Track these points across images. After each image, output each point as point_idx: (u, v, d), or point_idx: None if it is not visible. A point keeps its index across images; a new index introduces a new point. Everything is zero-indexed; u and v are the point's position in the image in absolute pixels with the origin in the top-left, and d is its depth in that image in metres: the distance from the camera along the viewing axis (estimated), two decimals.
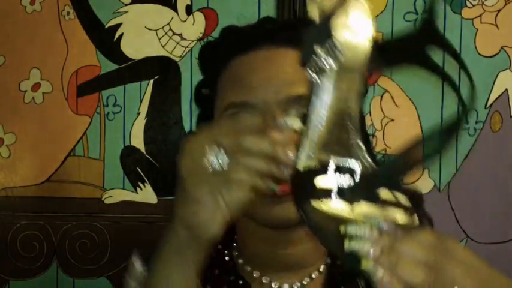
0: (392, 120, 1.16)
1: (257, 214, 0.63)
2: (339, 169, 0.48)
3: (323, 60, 0.52)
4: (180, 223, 0.54)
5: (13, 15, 1.23)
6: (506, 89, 1.15)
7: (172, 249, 0.55)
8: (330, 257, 0.69)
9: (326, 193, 0.47)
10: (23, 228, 1.22)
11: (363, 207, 0.48)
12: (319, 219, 0.48)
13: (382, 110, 1.15)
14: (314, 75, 0.52)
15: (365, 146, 0.77)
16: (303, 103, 0.65)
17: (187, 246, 0.54)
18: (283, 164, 0.52)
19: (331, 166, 0.48)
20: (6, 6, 1.23)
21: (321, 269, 0.70)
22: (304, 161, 0.50)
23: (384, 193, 0.51)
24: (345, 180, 0.48)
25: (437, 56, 1.08)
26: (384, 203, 0.48)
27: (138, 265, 0.62)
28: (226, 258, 0.72)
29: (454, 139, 0.51)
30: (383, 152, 1.14)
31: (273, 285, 0.69)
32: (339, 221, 0.47)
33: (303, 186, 0.49)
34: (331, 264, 0.69)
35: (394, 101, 1.16)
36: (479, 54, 1.14)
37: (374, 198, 0.48)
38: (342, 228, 0.46)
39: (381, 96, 1.15)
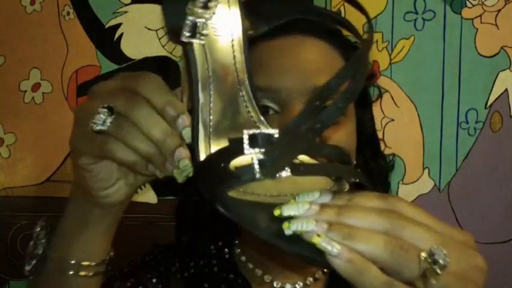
0: (393, 120, 1.16)
1: None
2: (252, 141, 0.41)
3: (199, 20, 0.46)
4: (76, 184, 0.53)
5: (13, 15, 1.23)
6: (506, 89, 1.15)
7: (74, 212, 0.56)
8: None
9: (243, 174, 0.40)
10: (23, 228, 1.22)
11: (288, 182, 0.42)
12: (243, 210, 0.41)
13: (382, 110, 1.15)
14: (190, 39, 0.46)
15: (374, 148, 0.75)
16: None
17: (87, 209, 0.54)
18: (168, 157, 0.46)
19: (242, 141, 0.41)
20: (6, 6, 1.23)
21: (325, 269, 0.69)
22: (203, 148, 0.45)
23: (305, 159, 0.45)
24: (261, 153, 0.41)
25: (438, 54, 1.07)
26: (308, 172, 0.42)
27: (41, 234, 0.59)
28: (226, 256, 0.71)
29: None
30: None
31: (275, 284, 0.68)
32: (266, 205, 0.41)
33: (210, 176, 0.42)
34: None
35: (394, 101, 1.16)
36: (479, 54, 1.14)
37: (297, 168, 0.41)
38: (276, 212, 0.40)
39: (381, 96, 1.14)
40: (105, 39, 1.21)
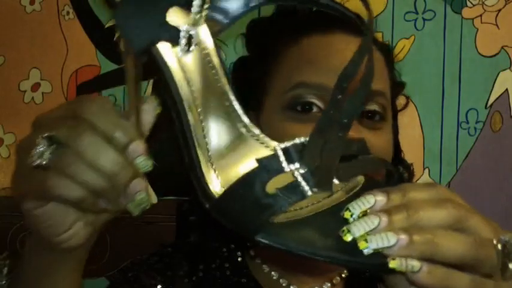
0: None
1: None
2: (287, 156, 0.36)
3: (192, 30, 0.38)
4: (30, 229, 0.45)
5: (13, 15, 1.23)
6: (507, 89, 1.15)
7: (32, 259, 0.48)
8: None
9: (290, 195, 0.35)
10: (23, 228, 1.22)
11: (334, 195, 0.37)
12: (291, 234, 0.35)
13: None
14: (186, 54, 0.39)
15: (396, 157, 0.73)
16: (376, 99, 0.62)
17: (45, 256, 0.46)
18: (122, 191, 0.39)
19: (277, 158, 0.35)
20: (6, 6, 1.23)
21: (344, 275, 0.67)
22: (210, 177, 0.37)
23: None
24: (302, 167, 0.36)
25: (438, 54, 1.08)
26: (352, 174, 0.38)
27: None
28: (239, 259, 0.68)
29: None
30: None
31: None
32: (310, 219, 0.36)
33: (243, 206, 0.35)
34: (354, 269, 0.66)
35: None
36: (480, 54, 1.14)
37: (341, 174, 0.37)
38: (346, 237, 0.35)
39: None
40: (105, 39, 1.21)
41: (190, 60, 0.40)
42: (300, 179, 0.35)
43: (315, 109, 0.61)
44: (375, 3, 1.15)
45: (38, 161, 0.38)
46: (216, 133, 0.40)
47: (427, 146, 1.14)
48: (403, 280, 0.38)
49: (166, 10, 0.38)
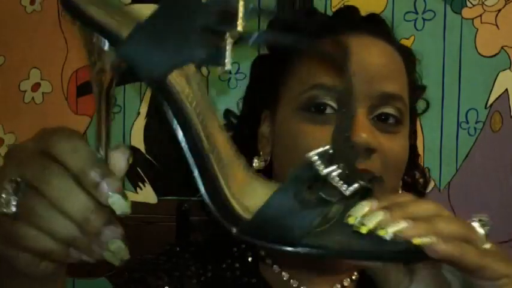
0: None
1: None
2: (321, 161, 0.38)
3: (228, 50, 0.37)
4: None
5: (13, 15, 1.23)
6: (506, 89, 1.15)
7: (8, 283, 0.42)
8: None
9: (332, 197, 0.38)
10: None
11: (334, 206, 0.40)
12: (331, 239, 0.38)
13: None
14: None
15: (413, 162, 0.73)
16: (392, 103, 0.62)
17: (21, 280, 0.41)
18: (94, 239, 0.37)
19: (312, 165, 0.37)
20: (6, 6, 1.23)
21: (354, 277, 0.67)
22: (236, 204, 0.37)
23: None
24: (335, 170, 0.38)
25: (438, 55, 1.08)
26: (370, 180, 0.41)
27: None
28: (249, 259, 0.68)
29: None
30: None
31: None
32: (337, 223, 0.39)
33: (284, 220, 0.36)
34: (365, 271, 0.64)
35: None
36: (479, 54, 1.14)
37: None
38: (362, 229, 0.38)
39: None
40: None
41: (193, 85, 0.39)
42: (336, 180, 0.38)
43: (329, 110, 0.61)
44: (375, 3, 1.15)
45: (4, 210, 0.35)
46: (229, 156, 0.40)
47: (427, 146, 1.14)
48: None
49: (181, 41, 0.37)
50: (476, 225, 0.43)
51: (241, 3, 0.36)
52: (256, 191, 0.39)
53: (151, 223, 1.19)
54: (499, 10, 1.14)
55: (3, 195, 0.36)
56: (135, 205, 1.23)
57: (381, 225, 0.39)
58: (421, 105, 0.80)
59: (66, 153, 0.37)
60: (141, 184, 1.20)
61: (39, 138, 0.40)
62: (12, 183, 0.36)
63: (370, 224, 0.39)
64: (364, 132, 0.58)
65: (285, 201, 0.36)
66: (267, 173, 0.67)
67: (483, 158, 1.13)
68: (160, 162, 1.20)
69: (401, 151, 0.63)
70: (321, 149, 0.38)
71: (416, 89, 0.73)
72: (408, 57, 0.70)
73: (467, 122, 1.14)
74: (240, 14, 0.36)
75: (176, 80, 0.37)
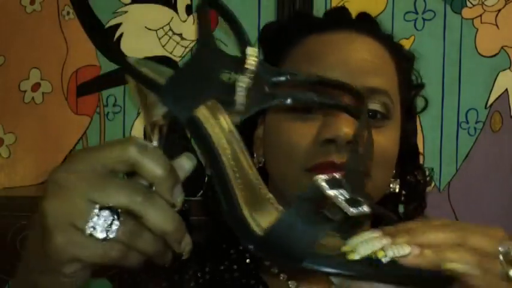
0: None
1: None
2: (329, 184, 0.42)
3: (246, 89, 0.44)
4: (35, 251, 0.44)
5: (13, 15, 1.23)
6: (506, 89, 1.15)
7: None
8: None
9: (335, 215, 0.40)
10: (23, 228, 1.22)
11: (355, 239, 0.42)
12: (332, 261, 0.41)
13: None
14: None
15: (414, 162, 0.75)
16: (377, 97, 0.63)
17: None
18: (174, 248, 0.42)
19: (320, 188, 0.41)
20: (6, 6, 1.23)
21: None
22: (254, 225, 0.41)
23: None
24: (341, 193, 0.41)
25: (437, 56, 1.07)
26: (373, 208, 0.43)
27: None
28: (248, 261, 0.68)
29: None
30: None
31: None
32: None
33: (295, 238, 0.40)
34: None
35: None
36: (479, 54, 1.14)
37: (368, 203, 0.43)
38: (351, 256, 0.40)
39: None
40: (105, 39, 1.21)
41: (220, 119, 0.44)
42: (340, 199, 0.40)
43: (315, 108, 0.62)
44: (375, 3, 1.15)
45: (104, 235, 0.38)
46: (246, 192, 0.43)
47: (427, 146, 1.14)
48: None
49: (210, 91, 0.44)
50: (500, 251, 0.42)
51: (252, 56, 0.44)
52: (271, 213, 0.43)
53: None
54: (499, 10, 1.14)
55: (101, 220, 0.38)
56: None
57: (378, 250, 0.39)
58: (428, 104, 0.79)
59: (144, 165, 0.40)
60: None
61: (108, 153, 0.41)
62: (105, 209, 0.39)
63: (364, 252, 0.39)
64: (347, 127, 0.58)
65: (292, 220, 0.39)
66: (262, 174, 0.67)
67: (483, 158, 1.13)
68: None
69: (387, 145, 0.63)
70: (329, 175, 0.42)
71: (412, 87, 0.73)
72: (399, 54, 0.70)
73: (467, 122, 1.14)
74: (252, 68, 0.44)
75: (204, 115, 0.43)
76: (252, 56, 0.44)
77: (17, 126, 1.23)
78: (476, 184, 1.13)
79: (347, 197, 0.41)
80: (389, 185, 0.68)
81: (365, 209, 0.41)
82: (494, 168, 1.13)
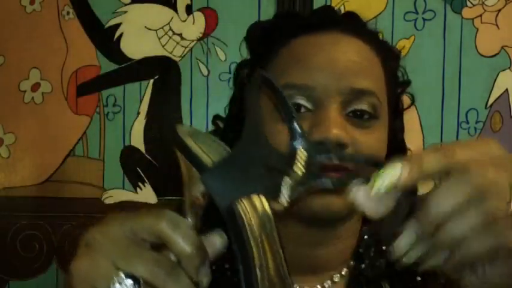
0: None
1: (296, 207, 0.57)
2: None
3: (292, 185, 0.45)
4: None
5: (13, 15, 1.23)
6: (507, 89, 1.15)
7: None
8: (353, 260, 0.66)
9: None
10: (23, 228, 1.22)
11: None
12: None
13: None
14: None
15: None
16: (364, 99, 0.62)
17: None
18: None
19: None
20: (6, 6, 1.23)
21: (343, 273, 0.67)
22: None
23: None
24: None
25: (437, 58, 1.07)
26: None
27: None
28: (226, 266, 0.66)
29: None
30: None
31: None
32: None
33: None
34: (354, 267, 0.66)
35: None
36: (479, 54, 1.14)
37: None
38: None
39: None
40: (105, 39, 1.21)
41: (259, 213, 0.44)
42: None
43: (302, 110, 0.62)
44: (375, 3, 1.15)
45: None
46: (271, 268, 0.43)
47: (426, 146, 1.14)
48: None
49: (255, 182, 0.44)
50: None
51: (301, 155, 0.45)
52: None
53: None
54: (499, 10, 1.14)
55: (118, 287, 0.39)
56: (135, 205, 1.24)
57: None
58: (414, 100, 0.79)
59: (173, 240, 0.40)
60: (141, 184, 1.20)
61: (140, 222, 0.42)
62: (128, 277, 0.39)
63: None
64: (335, 128, 0.58)
65: None
66: None
67: None
68: (160, 162, 1.20)
69: (376, 145, 0.63)
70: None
71: (398, 84, 0.73)
72: (386, 53, 0.70)
73: (467, 122, 1.14)
74: (300, 165, 0.45)
75: (243, 209, 0.43)
76: (301, 159, 0.44)
77: (17, 126, 1.23)
78: None
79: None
80: None
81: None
82: None
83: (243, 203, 0.42)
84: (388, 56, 0.70)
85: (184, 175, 0.48)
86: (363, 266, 0.66)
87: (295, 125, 0.48)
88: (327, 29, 0.65)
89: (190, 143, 0.46)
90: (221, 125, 0.76)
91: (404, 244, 0.42)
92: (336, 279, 0.67)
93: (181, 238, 0.40)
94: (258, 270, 0.42)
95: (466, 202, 0.40)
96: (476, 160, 0.41)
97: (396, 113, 0.72)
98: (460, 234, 0.40)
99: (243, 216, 0.42)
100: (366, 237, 0.68)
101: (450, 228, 0.40)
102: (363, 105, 0.62)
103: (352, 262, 0.67)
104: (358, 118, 0.62)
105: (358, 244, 0.67)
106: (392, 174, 0.41)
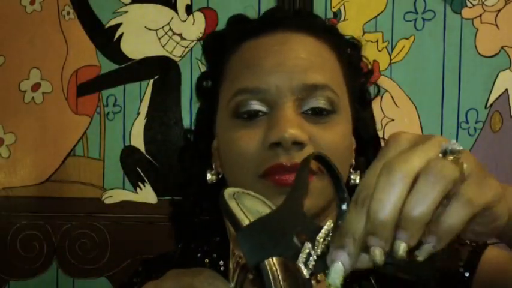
0: (393, 120, 1.16)
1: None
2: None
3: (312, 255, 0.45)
4: None
5: (13, 15, 1.23)
6: (506, 89, 1.15)
7: None
8: None
9: None
10: (23, 228, 1.22)
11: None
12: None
13: (382, 110, 1.15)
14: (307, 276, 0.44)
15: (376, 149, 0.74)
16: (318, 93, 0.62)
17: None
18: None
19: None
20: (6, 6, 1.23)
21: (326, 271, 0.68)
22: None
23: None
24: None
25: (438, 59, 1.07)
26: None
27: None
28: (222, 268, 0.68)
29: None
30: None
31: None
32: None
33: None
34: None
35: (394, 101, 1.16)
36: (479, 54, 1.14)
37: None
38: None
39: (381, 96, 1.15)
40: (105, 39, 1.21)
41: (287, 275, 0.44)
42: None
43: (260, 114, 0.62)
44: (375, 3, 1.15)
45: None
46: None
47: None
48: None
49: (282, 243, 0.44)
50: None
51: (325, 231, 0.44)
52: None
53: (151, 223, 1.19)
54: (499, 10, 1.14)
55: None
56: (135, 205, 1.24)
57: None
58: (379, 90, 0.79)
59: None
60: (141, 184, 1.20)
61: (185, 279, 0.46)
62: None
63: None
64: (291, 127, 0.58)
65: None
66: (222, 186, 0.68)
67: (483, 158, 1.13)
68: (160, 162, 1.20)
69: (336, 139, 0.62)
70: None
71: (361, 75, 0.73)
72: (341, 45, 0.69)
73: (467, 122, 1.15)
74: (321, 239, 0.44)
75: (273, 267, 0.44)
76: (326, 231, 0.44)
77: (17, 126, 1.23)
78: None
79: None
80: (348, 178, 0.68)
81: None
82: (494, 168, 1.13)
83: (270, 261, 0.43)
84: (344, 48, 0.70)
85: (230, 238, 0.50)
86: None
87: (344, 207, 0.48)
88: (275, 30, 0.65)
89: (232, 204, 0.48)
90: (191, 138, 0.76)
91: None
92: (320, 278, 0.67)
93: None
94: None
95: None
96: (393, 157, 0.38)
97: (363, 104, 0.71)
98: (423, 215, 0.36)
99: (269, 273, 0.43)
100: None
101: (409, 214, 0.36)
102: (319, 102, 0.62)
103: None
104: (315, 115, 0.62)
105: None
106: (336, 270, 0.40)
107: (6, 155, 1.23)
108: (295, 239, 0.44)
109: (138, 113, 1.20)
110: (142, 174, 1.20)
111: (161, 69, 1.20)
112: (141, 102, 1.20)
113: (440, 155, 0.38)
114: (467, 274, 0.64)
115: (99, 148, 1.21)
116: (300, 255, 0.43)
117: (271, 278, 0.43)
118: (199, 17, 1.19)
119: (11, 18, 1.23)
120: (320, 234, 0.44)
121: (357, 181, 0.68)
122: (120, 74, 1.21)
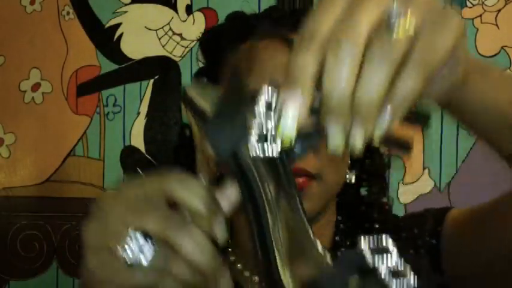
0: None
1: None
2: None
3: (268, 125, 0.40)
4: None
5: (13, 15, 1.23)
6: None
7: None
8: (331, 247, 0.67)
9: None
10: (23, 228, 1.22)
11: None
12: None
13: None
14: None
15: (369, 146, 0.74)
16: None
17: None
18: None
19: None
20: (6, 6, 1.23)
21: None
22: (286, 279, 0.39)
23: None
24: None
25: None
26: None
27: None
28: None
29: None
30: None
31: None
32: None
33: None
34: (332, 254, 0.67)
35: None
36: (479, 54, 1.14)
37: None
38: None
39: None
40: (105, 39, 1.21)
41: (266, 164, 0.42)
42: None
43: None
44: None
45: (135, 259, 0.38)
46: (287, 238, 0.41)
47: (426, 146, 1.14)
48: None
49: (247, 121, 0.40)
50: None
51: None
52: (312, 261, 0.41)
53: None
54: (499, 10, 1.14)
55: (134, 245, 0.38)
56: None
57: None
58: None
59: (181, 198, 0.40)
60: None
61: (150, 184, 0.42)
62: (138, 233, 0.39)
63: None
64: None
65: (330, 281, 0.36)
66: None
67: (483, 158, 1.13)
68: (160, 162, 1.20)
69: None
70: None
71: None
72: None
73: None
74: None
75: (246, 151, 0.40)
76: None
77: (17, 126, 1.23)
78: (476, 184, 1.13)
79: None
80: (341, 183, 0.68)
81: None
82: (494, 168, 1.13)
83: (246, 147, 0.39)
84: None
85: (195, 133, 0.47)
86: (340, 253, 0.67)
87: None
88: (274, 31, 0.65)
89: (196, 96, 0.45)
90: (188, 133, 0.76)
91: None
92: None
93: (188, 194, 0.40)
94: (269, 216, 0.40)
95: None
96: None
97: None
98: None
99: (246, 158, 0.40)
100: (341, 226, 0.69)
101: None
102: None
103: (329, 249, 0.67)
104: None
105: (335, 233, 0.69)
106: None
107: (6, 155, 1.23)
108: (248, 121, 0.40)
109: (138, 113, 1.20)
110: (142, 174, 1.20)
111: (161, 69, 1.20)
112: (141, 102, 1.20)
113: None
114: (433, 241, 0.65)
115: (99, 148, 1.21)
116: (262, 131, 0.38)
117: (249, 161, 0.40)
118: (199, 17, 1.19)
119: (11, 18, 1.23)
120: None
121: (352, 180, 0.69)
122: (120, 74, 1.21)
